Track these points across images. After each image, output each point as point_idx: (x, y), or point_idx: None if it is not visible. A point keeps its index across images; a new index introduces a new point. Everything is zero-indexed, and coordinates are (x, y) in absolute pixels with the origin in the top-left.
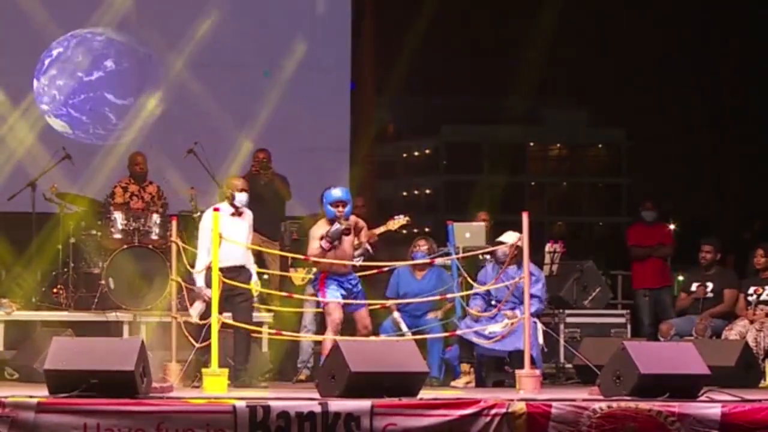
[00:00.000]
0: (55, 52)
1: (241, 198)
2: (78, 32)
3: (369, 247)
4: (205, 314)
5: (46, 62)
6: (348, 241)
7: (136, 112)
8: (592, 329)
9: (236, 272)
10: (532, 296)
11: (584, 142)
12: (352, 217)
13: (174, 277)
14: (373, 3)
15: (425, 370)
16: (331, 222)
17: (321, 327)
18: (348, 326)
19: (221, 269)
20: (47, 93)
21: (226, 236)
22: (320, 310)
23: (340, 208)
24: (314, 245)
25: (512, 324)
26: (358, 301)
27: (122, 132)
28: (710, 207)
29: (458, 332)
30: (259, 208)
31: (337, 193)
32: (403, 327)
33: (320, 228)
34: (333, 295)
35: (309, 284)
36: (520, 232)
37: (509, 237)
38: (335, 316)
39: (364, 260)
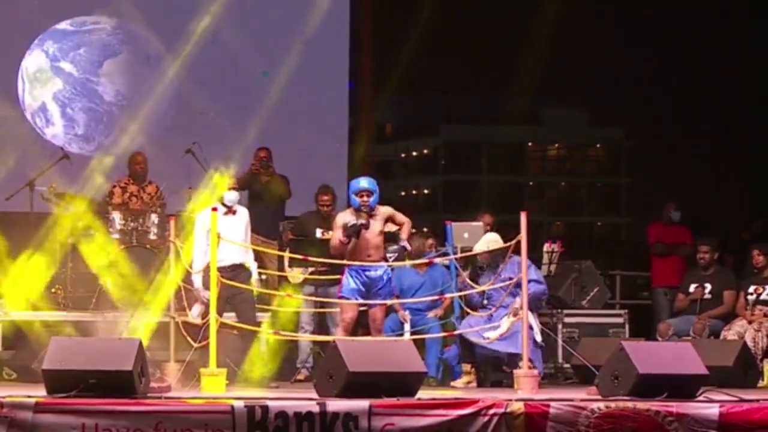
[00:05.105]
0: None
1: (230, 196)
2: (85, 30)
3: (407, 245)
4: (206, 315)
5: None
6: (370, 231)
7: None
8: (591, 329)
9: (234, 271)
10: (528, 281)
11: (583, 142)
12: (384, 209)
13: (172, 278)
14: (372, 3)
15: (423, 370)
16: (357, 212)
17: (318, 326)
18: (358, 325)
19: (219, 269)
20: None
21: (221, 235)
22: (318, 310)
23: (365, 198)
24: (336, 234)
25: (512, 323)
26: (368, 302)
27: (120, 132)
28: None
29: (457, 332)
30: (259, 208)
31: (361, 182)
32: (407, 326)
33: (343, 217)
34: (348, 291)
35: (306, 284)
36: (519, 231)
37: (486, 241)
38: (346, 315)
39: (397, 258)
